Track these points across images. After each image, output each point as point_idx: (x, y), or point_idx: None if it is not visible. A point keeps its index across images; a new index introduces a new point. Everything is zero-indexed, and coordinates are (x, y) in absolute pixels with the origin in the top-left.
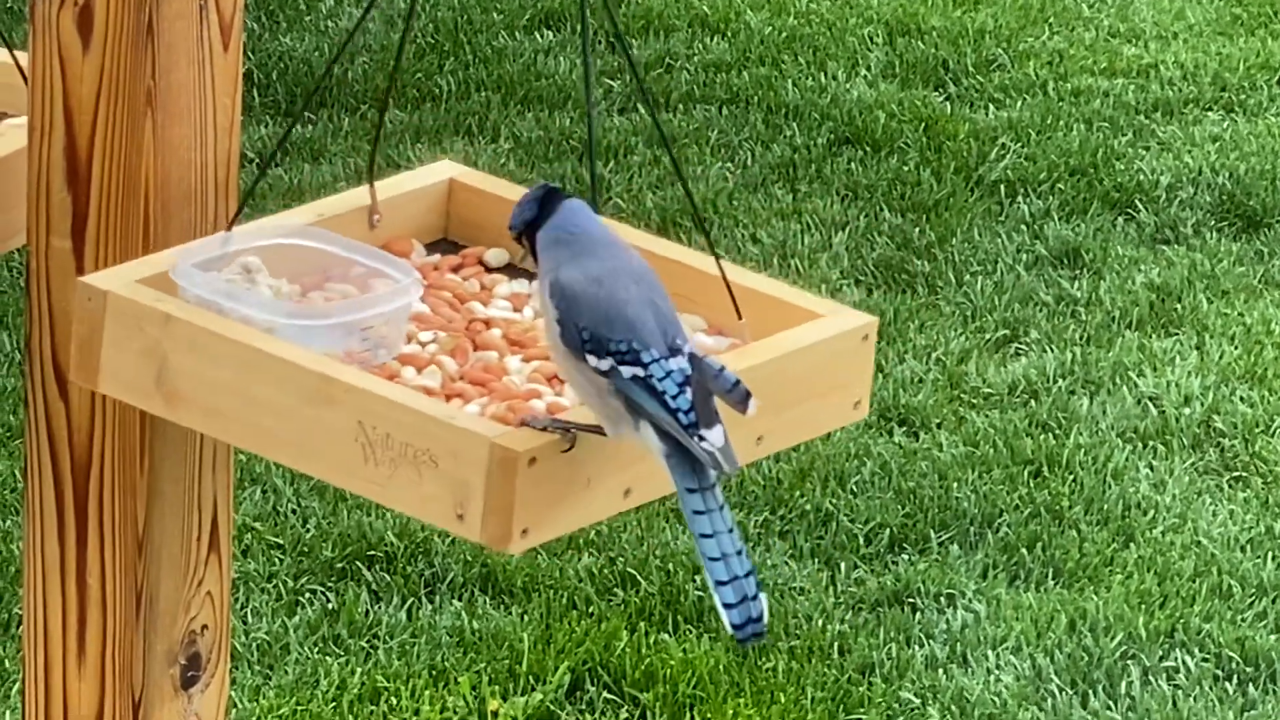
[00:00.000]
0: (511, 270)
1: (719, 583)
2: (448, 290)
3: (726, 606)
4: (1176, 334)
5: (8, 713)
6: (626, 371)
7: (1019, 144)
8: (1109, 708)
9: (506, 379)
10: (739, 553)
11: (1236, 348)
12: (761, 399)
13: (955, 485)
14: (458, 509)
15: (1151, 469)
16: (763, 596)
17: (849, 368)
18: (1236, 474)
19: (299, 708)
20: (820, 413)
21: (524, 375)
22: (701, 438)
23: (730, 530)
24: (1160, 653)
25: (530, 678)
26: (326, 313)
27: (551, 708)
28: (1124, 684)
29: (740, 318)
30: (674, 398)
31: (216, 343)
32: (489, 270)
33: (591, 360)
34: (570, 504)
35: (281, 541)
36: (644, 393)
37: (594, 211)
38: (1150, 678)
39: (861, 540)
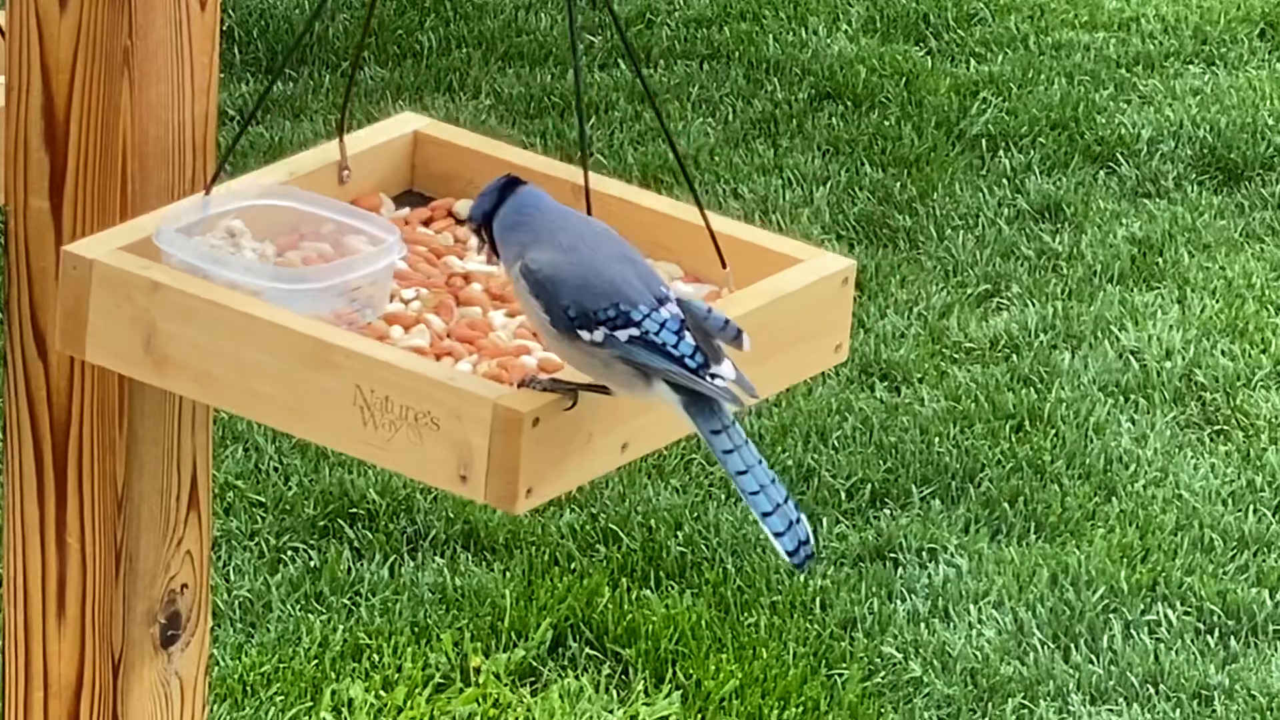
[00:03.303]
0: None
1: (765, 514)
2: (423, 245)
3: (777, 535)
4: (1158, 288)
5: None
6: (622, 335)
7: (1000, 98)
8: (1091, 661)
9: (493, 335)
10: (773, 481)
11: (1218, 301)
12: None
13: (937, 440)
14: (461, 470)
15: (1133, 423)
16: (804, 518)
17: (830, 312)
18: (1218, 427)
19: (281, 665)
20: (803, 358)
21: (510, 331)
22: (714, 375)
23: (760, 462)
24: (1142, 606)
25: (512, 634)
26: (314, 275)
27: (534, 664)
28: (1106, 638)
29: (725, 266)
30: (675, 346)
31: (207, 309)
32: (459, 222)
33: (584, 335)
34: (572, 461)
35: (263, 499)
36: (645, 350)
37: (583, 169)
38: (1132, 631)
39: (843, 495)
